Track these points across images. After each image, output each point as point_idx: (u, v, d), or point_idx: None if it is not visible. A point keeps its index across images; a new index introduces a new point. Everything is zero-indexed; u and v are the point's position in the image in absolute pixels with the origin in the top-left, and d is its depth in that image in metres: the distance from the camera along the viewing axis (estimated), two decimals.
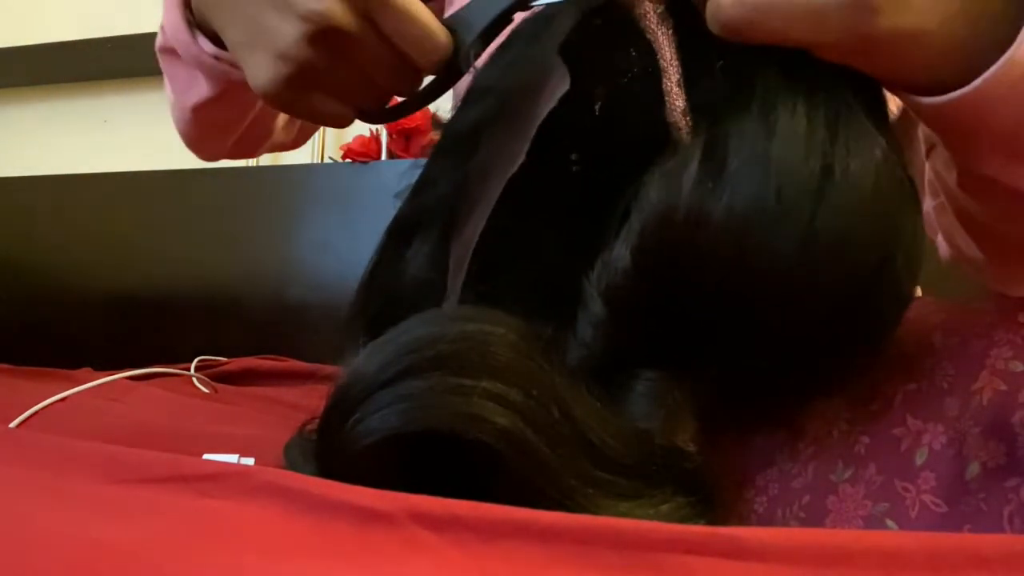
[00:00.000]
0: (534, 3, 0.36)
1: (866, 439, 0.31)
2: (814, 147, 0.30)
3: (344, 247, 1.27)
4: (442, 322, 0.31)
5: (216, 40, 0.43)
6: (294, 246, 1.32)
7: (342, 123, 0.39)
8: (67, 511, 0.25)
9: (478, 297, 0.35)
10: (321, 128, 1.50)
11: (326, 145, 1.53)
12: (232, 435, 0.59)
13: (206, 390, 0.83)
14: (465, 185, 0.39)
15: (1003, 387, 0.28)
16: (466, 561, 0.23)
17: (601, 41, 0.38)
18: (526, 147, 0.34)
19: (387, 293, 0.41)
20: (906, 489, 0.29)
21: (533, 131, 0.34)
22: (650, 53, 0.37)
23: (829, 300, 0.30)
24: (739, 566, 0.22)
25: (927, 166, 0.46)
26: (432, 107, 1.26)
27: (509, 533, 0.23)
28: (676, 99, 0.36)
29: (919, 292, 0.67)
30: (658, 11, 0.37)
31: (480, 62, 0.38)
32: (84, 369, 0.98)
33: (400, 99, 0.40)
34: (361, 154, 1.34)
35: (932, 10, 0.28)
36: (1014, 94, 0.29)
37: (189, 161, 1.49)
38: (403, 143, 1.36)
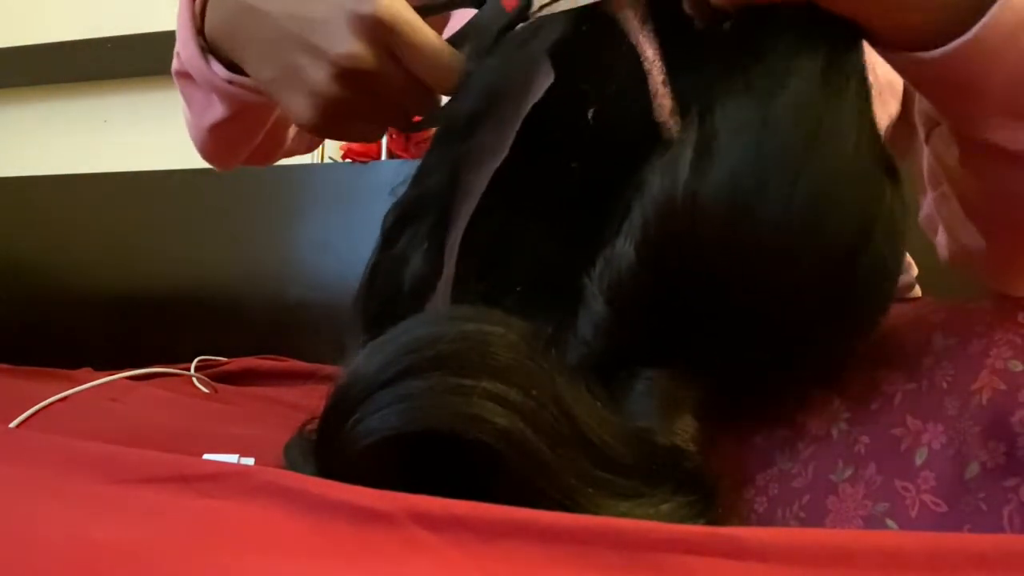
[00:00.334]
0: (531, 15, 0.37)
1: (866, 439, 0.31)
2: (799, 115, 0.30)
3: (344, 247, 1.27)
4: (442, 322, 0.31)
5: (230, 63, 0.46)
6: (294, 246, 1.32)
7: (373, 139, 0.44)
8: (67, 511, 0.25)
9: (477, 296, 0.35)
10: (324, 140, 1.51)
11: (326, 145, 1.53)
12: (232, 435, 0.59)
13: (206, 390, 0.83)
14: (456, 178, 0.39)
15: (1003, 387, 0.28)
16: (466, 561, 0.23)
17: (589, 46, 0.38)
18: (510, 141, 0.34)
19: (386, 291, 0.42)
20: (906, 489, 0.29)
21: (518, 125, 0.35)
22: (635, 56, 0.37)
23: (816, 269, 0.30)
24: (739, 566, 0.22)
25: (926, 153, 0.46)
26: None
27: (509, 533, 0.23)
28: (663, 98, 0.37)
29: (919, 292, 0.67)
30: (638, 14, 0.38)
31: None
32: (84, 369, 0.98)
33: None
34: (361, 154, 1.34)
35: None
36: (1012, 45, 0.29)
37: (189, 161, 1.49)
38: (403, 143, 1.36)
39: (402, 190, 0.44)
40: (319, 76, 0.37)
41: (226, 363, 0.99)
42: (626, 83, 0.38)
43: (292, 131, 0.63)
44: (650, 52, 0.38)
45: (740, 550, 0.22)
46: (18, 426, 0.59)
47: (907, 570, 0.21)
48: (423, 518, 0.24)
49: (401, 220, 0.43)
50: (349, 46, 0.36)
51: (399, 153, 1.36)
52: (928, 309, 0.35)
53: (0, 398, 0.71)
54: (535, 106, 0.35)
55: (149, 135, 1.61)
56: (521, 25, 0.39)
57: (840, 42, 0.31)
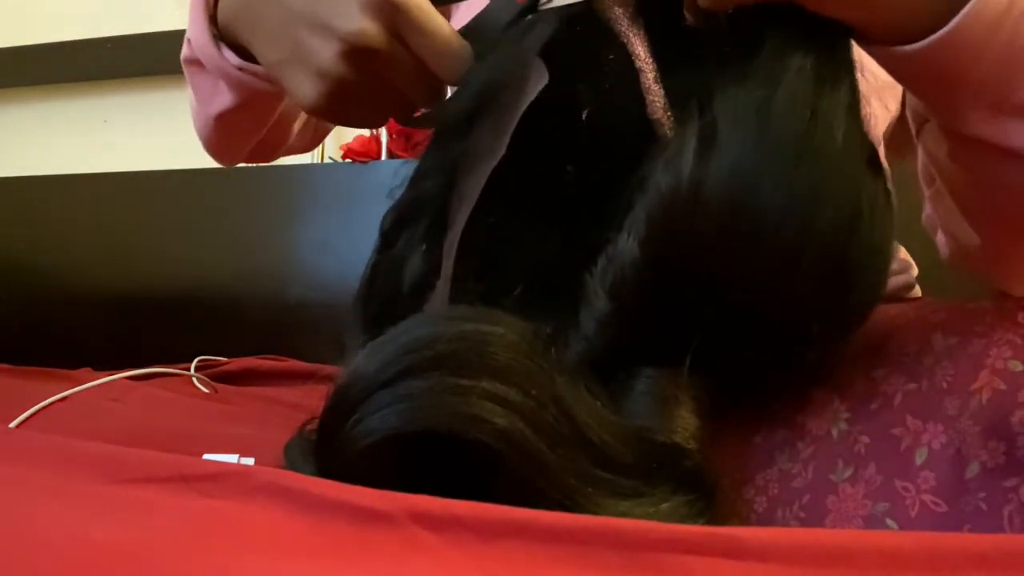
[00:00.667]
0: (541, 7, 0.37)
1: (866, 439, 0.31)
2: (795, 106, 0.30)
3: (344, 247, 1.27)
4: (441, 322, 0.31)
5: (240, 51, 0.46)
6: (294, 246, 1.32)
7: (374, 126, 0.44)
8: (67, 511, 0.25)
9: (476, 296, 0.35)
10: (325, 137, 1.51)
11: (326, 145, 1.53)
12: (232, 435, 0.59)
13: (206, 390, 0.83)
14: (453, 178, 0.39)
15: (1002, 387, 0.28)
16: (466, 561, 0.23)
17: (581, 46, 0.38)
18: (506, 140, 0.35)
19: (386, 292, 0.42)
20: (906, 489, 0.29)
21: (513, 125, 0.35)
22: (626, 54, 0.38)
23: (814, 257, 0.31)
24: (739, 566, 0.22)
25: (919, 151, 0.46)
26: None
27: (509, 533, 0.23)
28: (655, 96, 0.37)
29: (919, 292, 0.67)
30: (628, 13, 0.38)
31: None
32: (84, 369, 0.98)
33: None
34: (361, 154, 1.34)
35: None
36: (992, 37, 0.30)
37: (189, 161, 1.50)
38: (403, 143, 1.36)
39: (400, 191, 0.44)
40: (326, 54, 0.37)
41: (226, 363, 0.99)
42: (618, 81, 0.38)
43: (296, 126, 0.63)
44: (641, 50, 0.38)
45: (740, 550, 0.22)
46: (18, 426, 0.59)
47: (907, 570, 0.21)
48: (423, 518, 0.24)
49: (399, 221, 0.43)
50: (358, 23, 0.36)
51: (399, 153, 1.36)
52: (928, 309, 0.35)
53: (0, 398, 0.71)
54: (530, 106, 0.35)
55: (149, 135, 1.62)
56: (518, 22, 0.39)
57: (830, 38, 0.32)
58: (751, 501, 0.34)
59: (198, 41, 0.48)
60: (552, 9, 0.38)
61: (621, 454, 0.30)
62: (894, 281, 0.65)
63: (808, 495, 0.32)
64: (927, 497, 0.28)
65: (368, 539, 0.23)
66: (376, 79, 0.38)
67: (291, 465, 0.33)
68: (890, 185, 0.34)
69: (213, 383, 0.86)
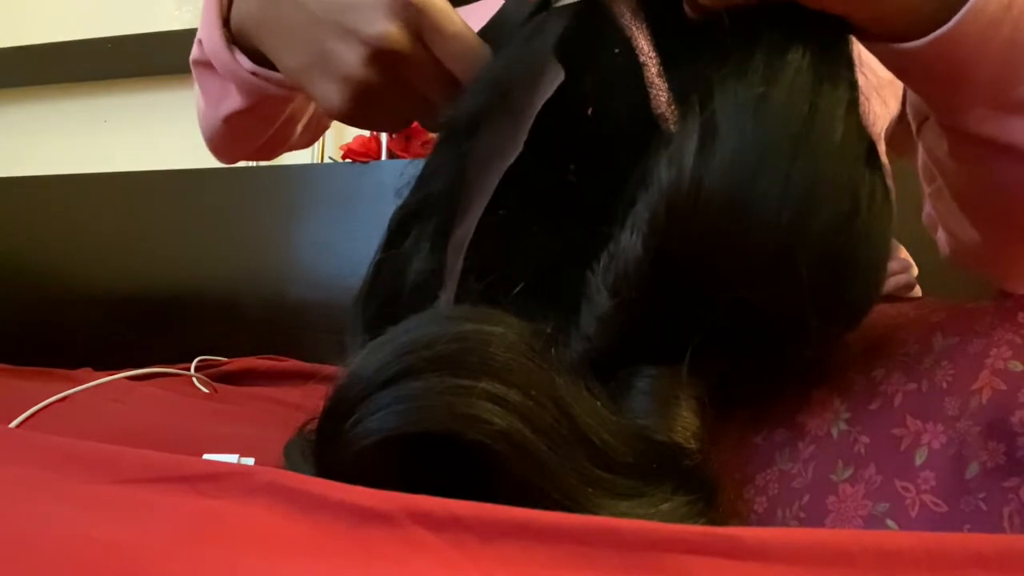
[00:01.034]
0: (552, 5, 0.37)
1: (866, 439, 0.31)
2: (795, 99, 0.30)
3: (344, 247, 1.27)
4: (440, 322, 0.31)
5: (252, 55, 0.46)
6: (294, 246, 1.32)
7: (398, 130, 0.45)
8: (67, 511, 0.25)
9: (477, 296, 0.35)
10: (323, 134, 1.51)
11: (326, 145, 1.53)
12: (232, 435, 0.59)
13: (206, 390, 0.83)
14: (463, 177, 0.39)
15: (1003, 387, 0.28)
16: (465, 561, 0.23)
17: (588, 41, 0.38)
18: (523, 138, 0.34)
19: (388, 292, 0.42)
20: (906, 489, 0.29)
21: (530, 123, 0.35)
22: (630, 49, 0.38)
23: (813, 251, 0.31)
24: (739, 566, 0.22)
25: (919, 148, 0.46)
26: None
27: (509, 533, 0.23)
28: (659, 91, 0.37)
29: (919, 292, 0.67)
30: (631, 7, 0.38)
31: None
32: (84, 369, 0.98)
33: None
34: (361, 154, 1.34)
35: None
36: (994, 33, 0.30)
37: (189, 161, 1.50)
38: (403, 143, 1.36)
39: (406, 190, 0.44)
40: (351, 58, 0.38)
41: (226, 363, 0.99)
42: (622, 76, 0.38)
43: (300, 127, 0.63)
44: (644, 45, 0.38)
45: (740, 550, 0.22)
46: (18, 426, 0.59)
47: (907, 570, 0.21)
48: (423, 518, 0.24)
49: (406, 220, 0.43)
50: (383, 27, 0.37)
51: (399, 153, 1.36)
52: (928, 309, 0.35)
53: (0, 398, 0.71)
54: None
55: (149, 135, 1.62)
56: (530, 21, 0.39)
57: (830, 33, 0.32)
58: (751, 501, 0.34)
59: (211, 44, 0.48)
60: (563, 6, 0.38)
61: (621, 454, 0.30)
62: (894, 281, 0.65)
63: (808, 495, 0.32)
64: (927, 497, 0.28)
65: (368, 539, 0.23)
66: (400, 83, 0.39)
67: (291, 465, 0.33)
68: (890, 182, 0.34)
69: (213, 383, 0.86)
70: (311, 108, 0.62)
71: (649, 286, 0.33)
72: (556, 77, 0.35)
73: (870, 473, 0.30)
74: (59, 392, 0.67)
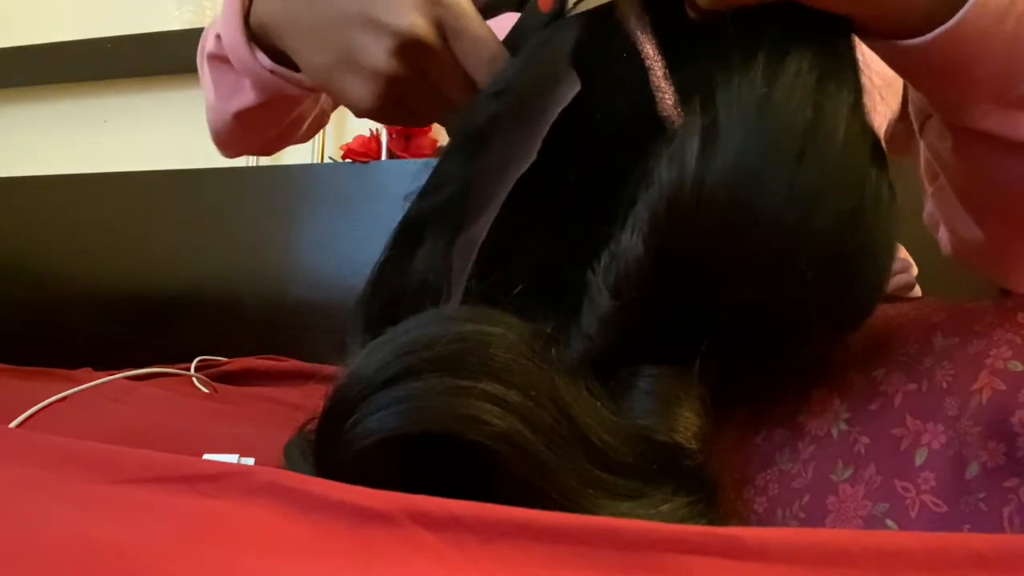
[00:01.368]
0: (568, 13, 0.38)
1: (866, 439, 0.31)
2: (798, 98, 0.30)
3: (344, 247, 1.27)
4: (441, 323, 0.31)
5: (271, 53, 0.47)
6: (294, 246, 1.32)
7: (420, 125, 0.46)
8: (67, 511, 0.25)
9: (477, 296, 0.35)
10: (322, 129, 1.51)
11: (326, 145, 1.53)
12: (232, 435, 0.59)
13: (206, 390, 0.83)
14: (474, 183, 0.39)
15: (1002, 387, 0.28)
16: (465, 561, 0.23)
17: (597, 48, 0.38)
18: (537, 146, 0.35)
19: (391, 293, 0.41)
20: (906, 489, 0.29)
21: (545, 130, 0.35)
22: (635, 52, 0.38)
23: (817, 252, 0.31)
24: (739, 566, 0.22)
25: (921, 146, 0.46)
26: None
27: (508, 533, 0.23)
28: (665, 93, 0.37)
29: (919, 292, 0.67)
30: (635, 11, 0.38)
31: None
32: (84, 369, 0.98)
33: None
34: (361, 154, 1.34)
35: None
36: (997, 29, 0.30)
37: (189, 161, 1.49)
38: (403, 143, 1.36)
39: (415, 194, 0.44)
40: (378, 51, 0.38)
41: (226, 363, 0.99)
42: (629, 80, 0.38)
43: (305, 125, 0.63)
44: (649, 48, 0.38)
45: (740, 550, 0.22)
46: (18, 426, 0.59)
47: (907, 570, 0.21)
48: (423, 518, 0.24)
49: (415, 224, 0.42)
50: (411, 19, 0.37)
51: (399, 153, 1.36)
52: (928, 309, 0.35)
53: (0, 398, 0.71)
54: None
55: (149, 135, 1.62)
56: (543, 28, 0.39)
57: (833, 32, 0.32)
58: (751, 501, 0.34)
59: (230, 41, 0.48)
60: (576, 15, 0.38)
61: (621, 454, 0.30)
62: (894, 281, 0.65)
63: (808, 495, 0.32)
64: (927, 497, 0.28)
65: (368, 539, 0.23)
66: (424, 79, 0.40)
67: (291, 465, 0.33)
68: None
69: (213, 383, 0.86)
70: (317, 107, 0.62)
71: (650, 286, 0.33)
72: (572, 86, 0.35)
73: (870, 473, 0.30)
74: (59, 392, 0.67)
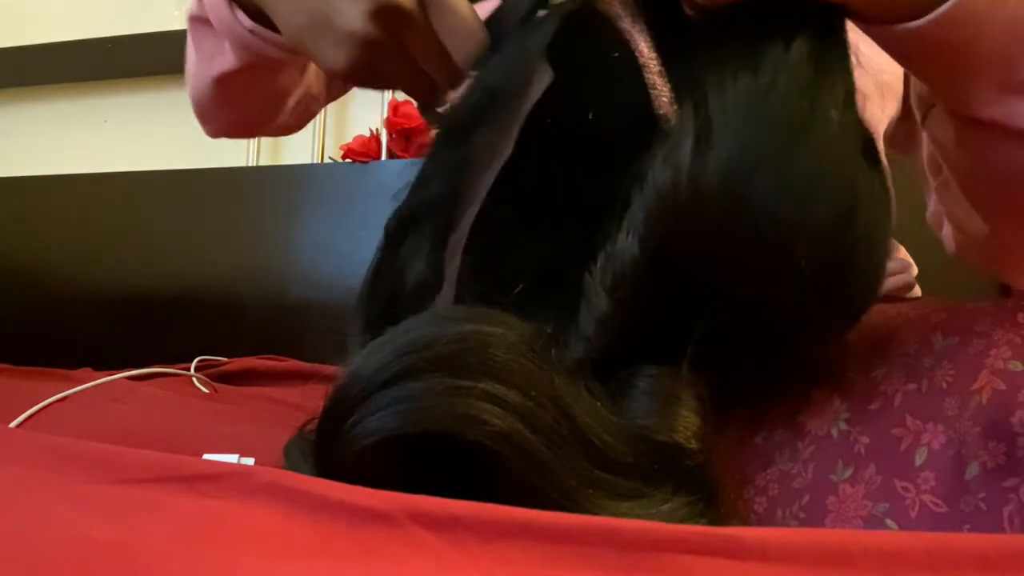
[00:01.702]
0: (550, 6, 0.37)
1: (866, 439, 0.31)
2: (792, 96, 0.30)
3: (344, 247, 1.27)
4: (440, 323, 0.31)
5: (251, 14, 0.47)
6: (294, 246, 1.32)
7: (397, 88, 0.44)
8: (67, 511, 0.25)
9: (476, 296, 0.35)
10: (321, 128, 1.51)
11: (326, 145, 1.53)
12: (232, 435, 0.59)
13: (206, 390, 0.83)
14: (459, 179, 0.39)
15: (1002, 387, 0.28)
16: (465, 561, 0.23)
17: (584, 43, 0.38)
18: (512, 141, 0.34)
19: (388, 292, 0.42)
20: (906, 489, 0.29)
21: (519, 125, 0.34)
22: (628, 50, 0.38)
23: (811, 248, 0.30)
24: (739, 566, 0.22)
25: (924, 139, 0.46)
26: None
27: (508, 533, 0.23)
28: (660, 90, 0.37)
29: (919, 292, 0.67)
30: (628, 8, 0.38)
31: None
32: (84, 369, 0.98)
33: None
34: (361, 154, 1.34)
35: None
36: (997, 10, 0.29)
37: (189, 161, 1.49)
38: (403, 143, 1.36)
39: (404, 192, 0.44)
40: (355, 13, 0.38)
41: (226, 363, 0.99)
42: (622, 78, 0.38)
43: (291, 103, 0.63)
44: (643, 46, 0.38)
45: (740, 550, 0.22)
46: (18, 426, 0.59)
47: (907, 570, 0.21)
48: (423, 518, 0.24)
49: (404, 222, 0.43)
50: None
51: (399, 153, 1.37)
52: (928, 309, 0.35)
53: (0, 398, 0.71)
54: (537, 105, 0.35)
55: (149, 135, 1.62)
56: (526, 21, 0.39)
57: (825, 26, 0.32)
58: (751, 501, 0.34)
59: (211, 1, 0.48)
60: (556, 8, 0.38)
61: (621, 454, 0.30)
62: (894, 281, 0.65)
63: (808, 495, 0.32)
64: (927, 497, 0.28)
65: (368, 539, 0.23)
66: (399, 45, 0.39)
67: (291, 465, 0.33)
68: (889, 183, 0.34)
69: (213, 383, 0.86)
70: (302, 86, 0.62)
71: (646, 286, 0.33)
72: (544, 80, 0.35)
73: (870, 473, 0.30)
74: (59, 392, 0.67)
